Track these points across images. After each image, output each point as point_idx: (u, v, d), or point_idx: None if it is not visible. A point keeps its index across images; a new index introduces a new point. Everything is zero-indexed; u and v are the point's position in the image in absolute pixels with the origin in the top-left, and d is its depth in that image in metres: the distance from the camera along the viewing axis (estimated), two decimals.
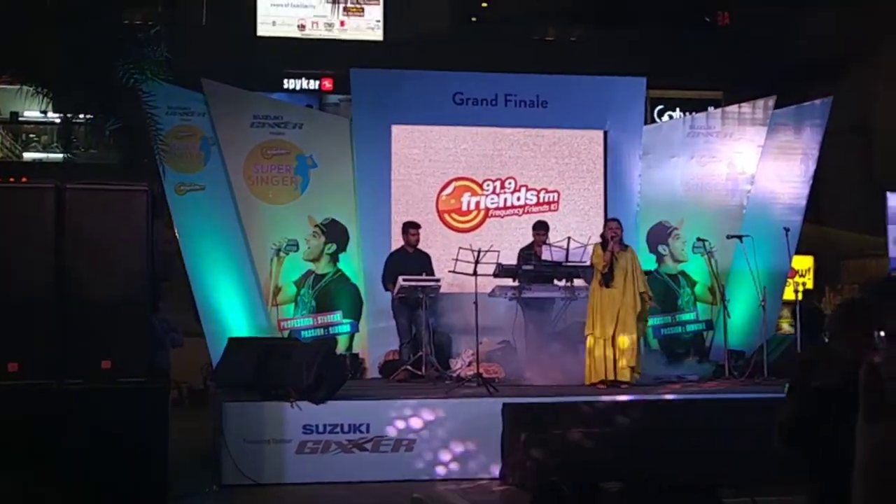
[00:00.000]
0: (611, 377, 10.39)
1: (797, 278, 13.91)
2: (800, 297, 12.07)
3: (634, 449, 8.31)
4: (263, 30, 21.19)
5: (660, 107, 22.26)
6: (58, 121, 19.99)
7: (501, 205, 12.69)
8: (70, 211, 7.51)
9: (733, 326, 11.99)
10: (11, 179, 8.39)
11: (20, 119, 21.03)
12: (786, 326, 14.54)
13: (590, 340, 10.56)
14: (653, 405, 9.32)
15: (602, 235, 10.87)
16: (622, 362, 10.43)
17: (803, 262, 14.69)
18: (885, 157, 19.38)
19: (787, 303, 13.66)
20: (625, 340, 10.43)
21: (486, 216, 12.65)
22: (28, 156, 21.40)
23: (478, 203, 12.66)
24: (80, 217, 7.53)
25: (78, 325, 7.39)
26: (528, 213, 12.64)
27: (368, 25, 21.09)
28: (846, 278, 16.79)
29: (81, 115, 11.42)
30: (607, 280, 10.51)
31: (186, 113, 12.04)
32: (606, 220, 11.01)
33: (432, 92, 12.65)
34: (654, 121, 20.30)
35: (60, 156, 20.98)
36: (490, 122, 12.66)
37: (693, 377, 11.52)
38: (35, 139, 21.67)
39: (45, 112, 16.91)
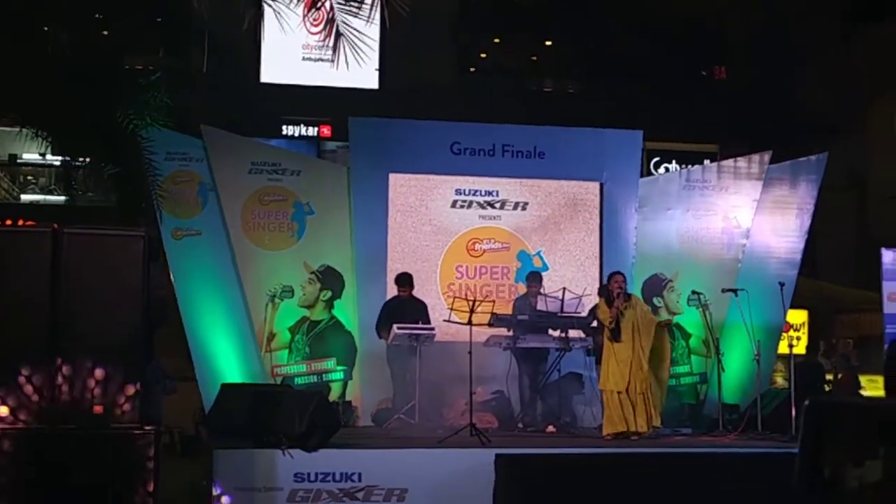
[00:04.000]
0: (632, 428, 10.33)
1: (791, 332, 13.88)
2: (794, 350, 12.07)
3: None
4: (267, 76, 21.35)
5: (656, 159, 22.41)
6: (56, 163, 20.14)
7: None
8: (67, 255, 7.53)
9: (727, 380, 11.97)
10: (8, 222, 8.40)
11: (19, 161, 21.11)
12: (780, 381, 14.52)
13: (605, 395, 10.54)
14: (647, 460, 9.26)
15: (607, 289, 10.85)
16: (640, 413, 10.40)
17: (798, 317, 14.71)
18: (879, 214, 19.49)
19: (781, 357, 13.66)
20: (638, 392, 10.41)
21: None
22: (26, 198, 21.46)
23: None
24: (77, 261, 7.55)
25: (71, 370, 7.37)
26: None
27: (367, 73, 21.26)
28: (840, 333, 16.80)
29: (80, 159, 11.48)
30: (615, 335, 10.50)
31: (185, 158, 12.09)
32: (611, 275, 10.97)
33: (430, 141, 12.72)
34: (650, 173, 20.41)
35: (58, 198, 21.12)
36: (487, 173, 12.72)
37: (686, 431, 11.49)
38: (33, 181, 21.75)
39: (43, 155, 17.01)
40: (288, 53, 21.15)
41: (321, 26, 8.50)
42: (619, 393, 10.40)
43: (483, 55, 24.01)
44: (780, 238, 13.31)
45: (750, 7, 21.44)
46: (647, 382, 10.48)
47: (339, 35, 8.26)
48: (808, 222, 13.36)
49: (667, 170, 21.39)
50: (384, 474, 8.86)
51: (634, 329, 10.51)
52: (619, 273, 10.94)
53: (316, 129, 22.18)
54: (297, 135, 22.09)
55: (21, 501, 6.99)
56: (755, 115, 19.49)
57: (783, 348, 12.63)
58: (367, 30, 8.79)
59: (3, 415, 7.25)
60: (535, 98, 22.00)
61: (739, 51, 21.97)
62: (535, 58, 24.00)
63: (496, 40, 24.13)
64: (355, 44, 8.34)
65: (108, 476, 7.16)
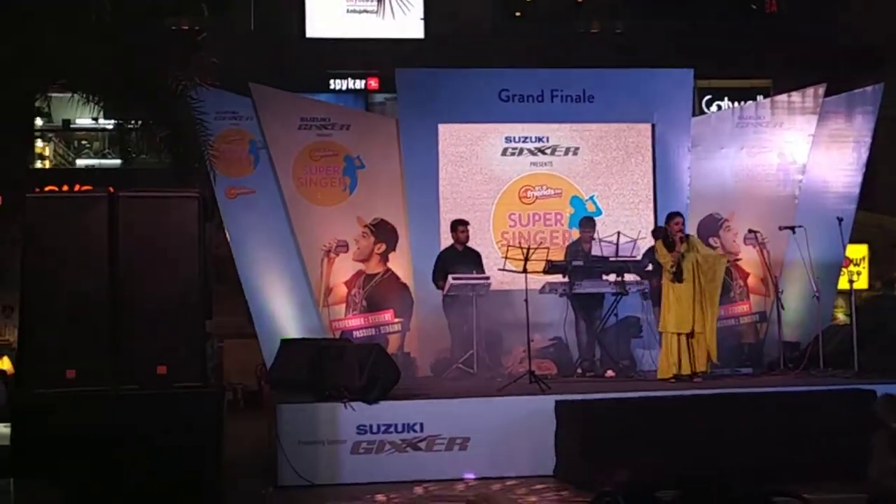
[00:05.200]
0: (690, 370, 10.30)
1: (852, 267, 13.70)
2: (855, 286, 11.92)
3: (690, 452, 8.24)
4: (312, 31, 21.26)
5: (708, 97, 22.02)
6: (109, 127, 20.30)
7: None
8: (123, 219, 7.60)
9: (787, 318, 11.87)
10: (65, 187, 8.49)
11: (72, 126, 21.30)
12: (841, 317, 14.36)
13: (666, 337, 10.49)
14: (708, 402, 9.20)
15: (665, 231, 10.75)
16: (701, 353, 10.36)
17: (857, 252, 14.50)
18: None
19: (842, 292, 13.50)
20: (703, 331, 10.36)
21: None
22: (81, 162, 21.69)
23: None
24: (133, 225, 7.62)
25: (133, 332, 7.49)
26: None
27: (412, 23, 21.10)
28: None
29: (132, 122, 11.56)
30: (677, 276, 10.42)
31: (235, 117, 12.15)
32: (669, 216, 10.87)
33: (478, 90, 12.64)
34: (702, 111, 20.10)
35: (113, 162, 21.33)
36: (537, 119, 12.63)
37: (747, 371, 11.42)
38: (87, 146, 21.95)
39: (96, 119, 17.14)
40: (332, 7, 21.04)
41: None
42: (679, 335, 10.35)
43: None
44: (837, 172, 13.11)
45: None
46: (709, 323, 10.42)
47: None
48: (865, 155, 13.13)
49: (719, 108, 21.04)
50: (445, 424, 8.94)
51: (695, 269, 10.43)
52: (677, 214, 10.85)
53: (363, 81, 22.07)
54: (344, 88, 22.01)
55: (88, 464, 7.12)
56: (808, 48, 19.08)
57: (843, 283, 12.47)
58: None
59: (71, 377, 7.38)
60: (582, 40, 21.71)
61: None
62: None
63: None
64: None
65: (174, 436, 7.26)
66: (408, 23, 18.68)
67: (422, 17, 21.20)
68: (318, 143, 12.40)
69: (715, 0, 21.31)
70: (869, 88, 13.29)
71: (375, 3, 8.28)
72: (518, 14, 23.37)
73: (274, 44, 19.54)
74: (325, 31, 21.31)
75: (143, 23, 10.55)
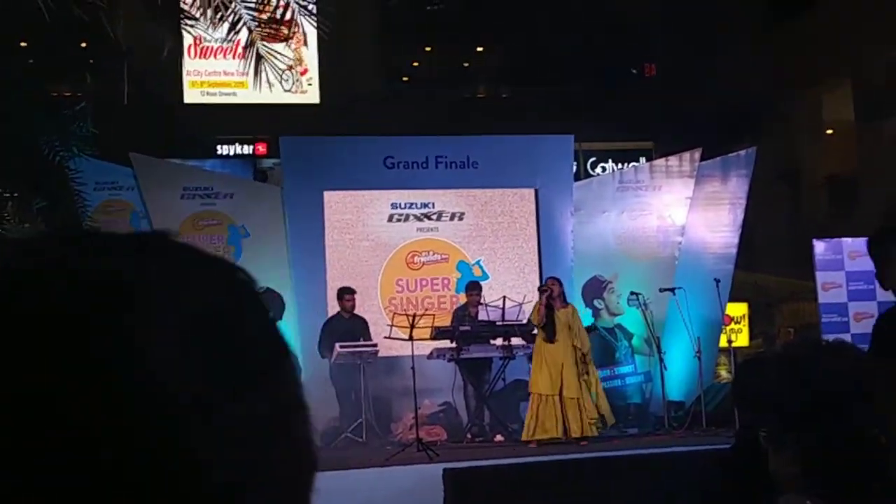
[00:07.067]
0: (569, 434, 10.34)
1: (733, 325, 14.03)
2: (735, 343, 12.21)
3: None
4: (191, 97, 21.12)
5: (592, 159, 22.52)
6: None
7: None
8: None
9: (671, 377, 12.08)
10: None
11: None
12: (724, 374, 14.66)
13: (534, 398, 10.55)
14: (599, 465, 9.26)
15: (541, 292, 10.89)
16: (584, 417, 10.41)
17: (738, 310, 14.87)
18: (810, 205, 19.82)
19: (725, 350, 13.79)
20: (578, 396, 10.43)
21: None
22: None
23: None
24: None
25: None
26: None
27: (301, 88, 21.16)
28: (781, 322, 17.03)
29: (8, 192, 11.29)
30: (550, 335, 10.53)
31: (115, 187, 11.97)
32: (547, 280, 11.07)
33: (363, 157, 12.70)
34: (588, 173, 20.53)
35: None
36: (422, 185, 12.73)
37: (633, 431, 11.56)
38: None
39: None
40: (214, 75, 20.96)
41: (240, 50, 8.44)
42: (549, 396, 10.42)
43: (415, 63, 24.03)
44: (714, 233, 13.47)
45: (674, 1, 21.64)
46: (582, 387, 10.51)
47: (259, 58, 8.21)
48: (741, 216, 13.52)
49: (604, 169, 21.53)
50: (332, 498, 8.78)
51: (569, 331, 10.56)
52: (552, 277, 11.04)
53: (252, 147, 22.01)
54: (232, 154, 21.90)
55: None
56: (686, 110, 19.66)
57: (724, 342, 12.77)
58: (285, 50, 8.74)
59: None
60: (469, 105, 22.04)
61: (667, 47, 22.17)
62: (466, 65, 24.07)
63: (427, 49, 24.16)
64: (276, 66, 8.30)
65: None
66: (294, 90, 18.75)
67: (309, 84, 21.29)
68: (202, 212, 12.28)
69: (597, 65, 21.85)
70: (742, 152, 13.74)
71: (251, 75, 8.26)
72: (405, 79, 23.65)
73: (156, 111, 19.34)
74: (208, 97, 21.21)
75: (20, 89, 10.36)
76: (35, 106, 10.62)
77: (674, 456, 9.46)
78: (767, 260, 17.11)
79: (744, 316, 15.14)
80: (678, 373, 12.50)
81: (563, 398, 10.40)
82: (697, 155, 13.49)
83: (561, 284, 10.90)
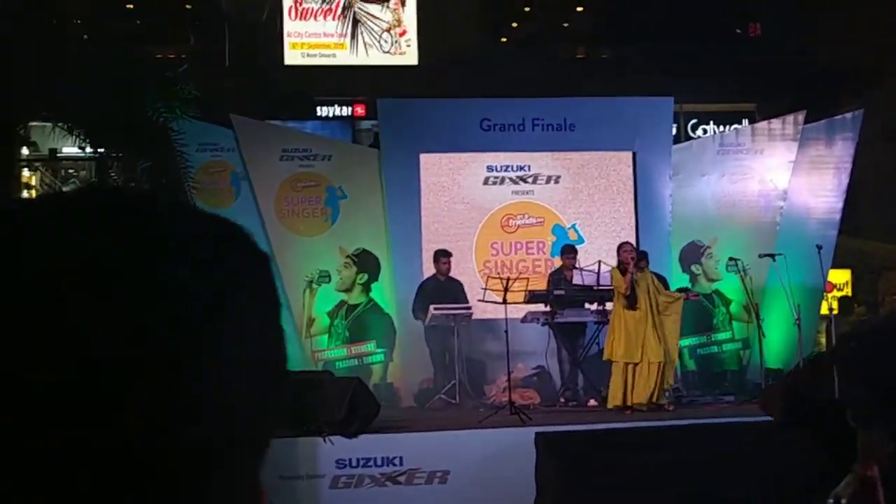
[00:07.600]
0: (638, 400, 10.28)
1: (835, 292, 13.74)
2: (836, 311, 11.95)
3: (672, 485, 8.21)
4: (291, 58, 21.30)
5: (693, 121, 22.12)
6: (96, 157, 20.30)
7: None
8: None
9: (770, 345, 11.89)
10: None
11: (58, 156, 21.28)
12: (823, 342, 14.36)
13: (615, 365, 10.49)
14: (692, 431, 9.19)
15: (620, 260, 10.78)
16: (654, 384, 10.34)
17: (841, 276, 14.54)
18: None
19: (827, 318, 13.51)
20: (654, 361, 10.35)
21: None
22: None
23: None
24: None
25: None
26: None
27: (400, 49, 21.17)
28: (885, 289, 16.58)
29: (114, 153, 11.58)
30: (632, 303, 10.45)
31: (216, 149, 12.17)
32: (620, 245, 10.95)
33: (459, 119, 12.69)
34: (689, 136, 20.18)
35: None
36: (518, 147, 12.67)
37: (729, 398, 11.42)
38: (74, 175, 21.94)
39: (83, 148, 17.18)
40: (314, 37, 21.08)
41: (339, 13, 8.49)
42: (627, 364, 10.34)
43: (515, 24, 23.85)
44: (818, 198, 13.16)
45: None
46: (663, 354, 10.39)
47: (356, 21, 8.25)
48: (846, 181, 13.18)
49: (705, 132, 21.14)
50: (425, 457, 8.91)
51: (651, 299, 10.44)
52: (626, 243, 10.96)
53: (350, 108, 22.13)
54: (331, 115, 22.05)
55: None
56: (791, 71, 19.19)
57: (825, 309, 12.52)
58: (383, 13, 8.75)
59: None
60: (567, 66, 21.81)
61: (772, 7, 21.61)
62: (566, 25, 23.80)
63: (526, 9, 23.95)
64: (372, 29, 8.32)
65: None
66: (393, 51, 18.78)
67: (408, 45, 21.28)
68: (300, 173, 12.42)
69: (700, 24, 21.42)
70: (849, 115, 13.37)
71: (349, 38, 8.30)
72: (504, 39, 23.50)
73: (257, 73, 19.56)
74: (310, 58, 21.35)
75: (123, 52, 10.59)
76: (139, 67, 10.87)
77: (768, 425, 9.33)
78: (872, 226, 16.66)
79: (847, 282, 14.79)
80: (777, 340, 12.30)
81: (644, 364, 10.31)
82: (801, 117, 13.17)
83: (634, 249, 10.80)
